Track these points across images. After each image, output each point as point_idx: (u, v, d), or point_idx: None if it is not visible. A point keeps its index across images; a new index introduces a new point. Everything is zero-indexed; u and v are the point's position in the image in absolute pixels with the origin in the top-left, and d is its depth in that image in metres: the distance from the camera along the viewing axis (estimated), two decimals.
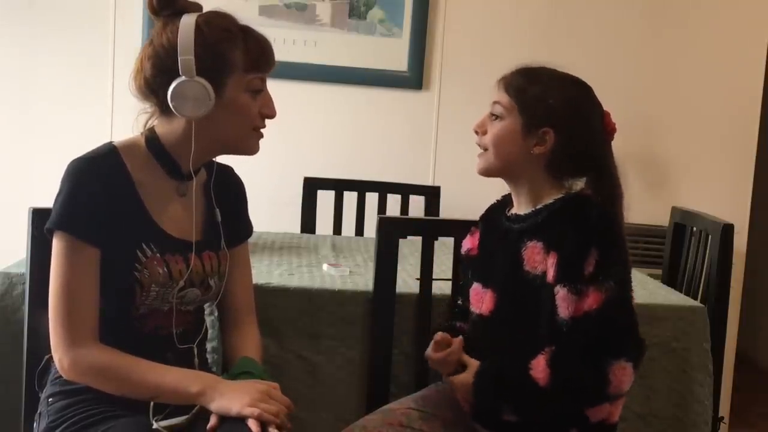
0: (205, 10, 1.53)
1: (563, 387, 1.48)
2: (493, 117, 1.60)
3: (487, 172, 1.62)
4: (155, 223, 1.53)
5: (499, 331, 1.61)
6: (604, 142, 1.60)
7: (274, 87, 1.58)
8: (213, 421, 1.40)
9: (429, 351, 1.63)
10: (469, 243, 1.77)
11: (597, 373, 1.45)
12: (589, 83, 1.62)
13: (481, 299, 1.65)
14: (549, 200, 1.57)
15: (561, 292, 1.48)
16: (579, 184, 1.60)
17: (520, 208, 1.63)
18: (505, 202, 1.70)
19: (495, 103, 1.60)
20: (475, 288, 1.67)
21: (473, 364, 1.58)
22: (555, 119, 1.55)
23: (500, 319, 1.60)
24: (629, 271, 1.53)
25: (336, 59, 3.26)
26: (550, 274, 1.50)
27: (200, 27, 1.46)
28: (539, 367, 1.48)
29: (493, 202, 1.76)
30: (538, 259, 1.53)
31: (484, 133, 1.61)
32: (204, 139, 1.51)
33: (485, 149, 1.61)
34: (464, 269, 1.78)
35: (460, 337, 1.62)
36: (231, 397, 1.40)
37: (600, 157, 1.58)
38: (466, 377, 1.57)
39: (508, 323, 1.59)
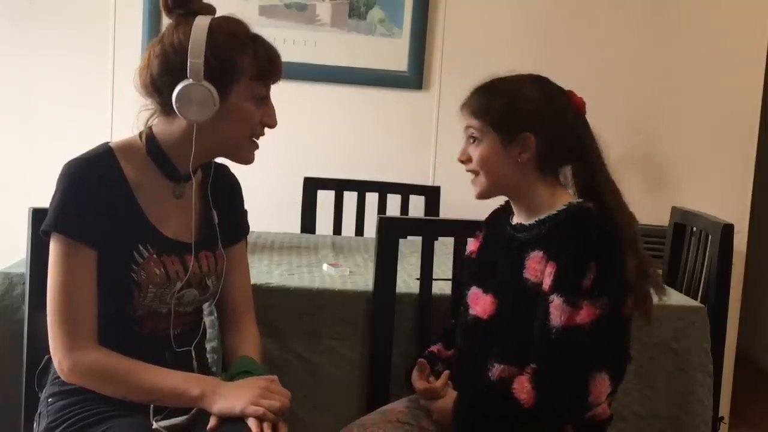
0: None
1: (547, 405, 1.50)
2: (472, 140, 1.61)
3: (485, 195, 1.63)
4: (151, 224, 1.52)
5: (496, 336, 1.61)
6: (580, 121, 1.61)
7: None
8: (213, 422, 1.40)
9: (415, 378, 1.67)
10: (473, 245, 1.78)
11: (579, 384, 1.48)
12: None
13: (479, 303, 1.65)
14: (552, 210, 1.58)
15: (556, 301, 1.49)
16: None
17: (521, 216, 1.65)
18: (509, 207, 1.71)
19: (467, 128, 1.61)
20: (475, 292, 1.67)
21: (451, 392, 1.61)
22: (528, 122, 1.56)
23: (498, 324, 1.61)
24: (627, 282, 1.54)
25: (336, 59, 3.26)
26: (547, 283, 1.51)
27: (213, 31, 1.45)
28: (523, 388, 1.50)
29: (497, 207, 1.76)
30: (539, 268, 1.54)
31: (469, 159, 1.62)
32: (202, 143, 1.50)
33: (476, 174, 1.62)
34: (463, 269, 1.78)
35: (447, 371, 1.66)
36: (232, 399, 1.40)
37: (581, 137, 1.60)
38: (444, 403, 1.61)
39: (506, 329, 1.60)
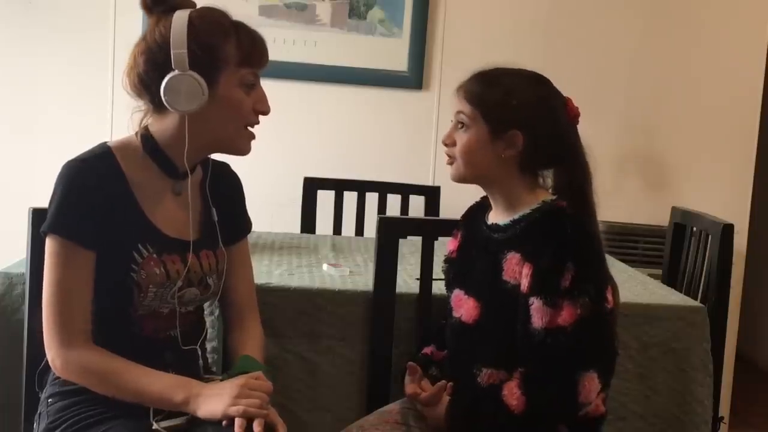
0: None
1: (538, 409, 1.49)
2: (460, 126, 1.59)
3: (461, 180, 1.62)
4: (151, 223, 1.52)
5: (481, 341, 1.61)
6: (571, 130, 1.59)
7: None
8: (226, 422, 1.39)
9: (406, 381, 1.66)
10: (452, 245, 1.77)
11: (568, 385, 1.47)
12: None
13: (463, 306, 1.64)
14: (527, 209, 1.57)
15: (536, 304, 1.49)
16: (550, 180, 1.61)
17: (498, 213, 1.63)
18: (485, 205, 1.70)
19: (458, 112, 1.59)
20: (458, 294, 1.67)
21: (445, 398, 1.60)
22: (521, 120, 1.55)
23: (483, 329, 1.60)
24: (605, 280, 1.54)
25: (336, 59, 3.26)
26: (524, 284, 1.51)
27: (192, 21, 1.46)
28: (513, 394, 1.49)
29: (472, 204, 1.75)
30: (517, 270, 1.53)
31: (453, 143, 1.60)
32: (197, 137, 1.50)
33: (454, 159, 1.61)
34: (446, 271, 1.77)
35: (446, 383, 1.60)
36: (214, 401, 1.40)
37: (570, 146, 1.58)
38: (437, 409, 1.59)
39: (490, 333, 1.59)
